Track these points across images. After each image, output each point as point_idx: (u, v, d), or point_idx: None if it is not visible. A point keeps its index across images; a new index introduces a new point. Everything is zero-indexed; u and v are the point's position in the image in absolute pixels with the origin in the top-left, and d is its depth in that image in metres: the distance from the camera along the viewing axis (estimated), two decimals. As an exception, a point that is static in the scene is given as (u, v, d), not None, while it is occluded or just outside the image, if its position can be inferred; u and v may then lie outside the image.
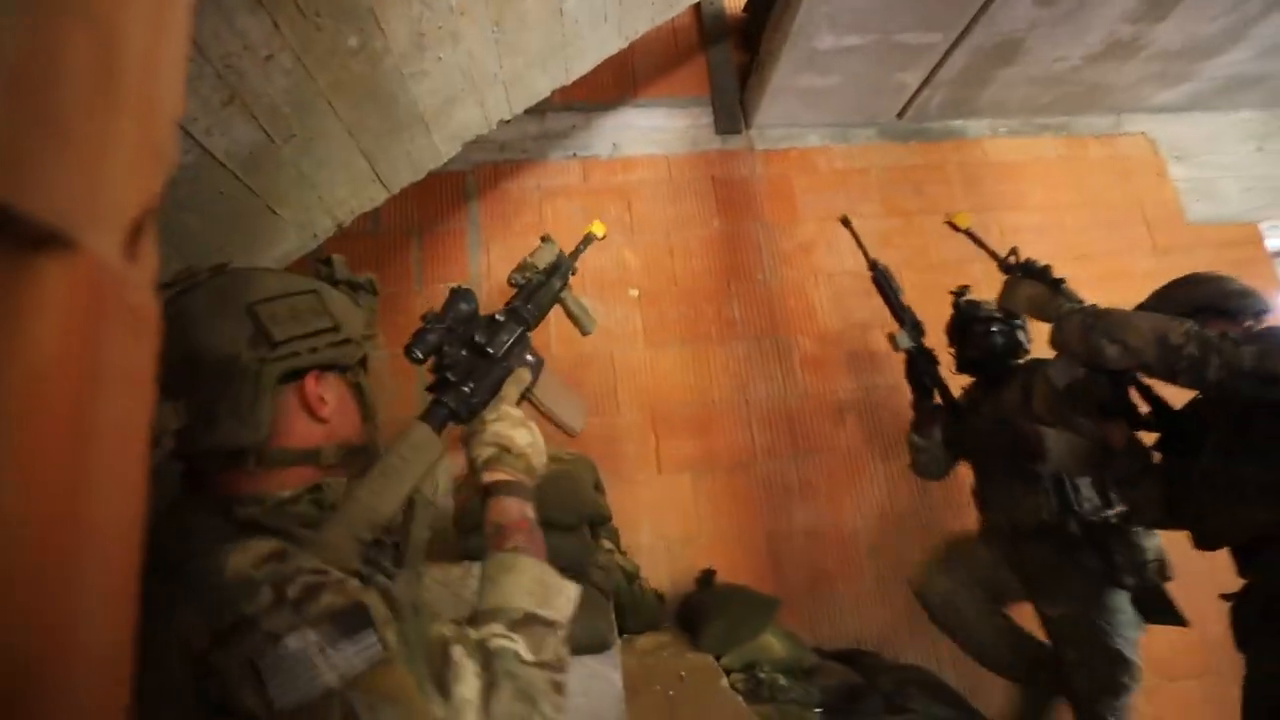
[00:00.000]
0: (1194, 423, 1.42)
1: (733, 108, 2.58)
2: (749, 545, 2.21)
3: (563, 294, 0.98)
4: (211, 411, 0.59)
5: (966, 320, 1.88)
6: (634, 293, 2.39)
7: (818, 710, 1.59)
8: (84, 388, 0.18)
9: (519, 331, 0.86)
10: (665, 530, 2.19)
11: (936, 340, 1.93)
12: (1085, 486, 1.64)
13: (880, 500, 2.28)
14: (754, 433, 2.30)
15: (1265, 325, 1.41)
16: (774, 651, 1.69)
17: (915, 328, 1.88)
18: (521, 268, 0.95)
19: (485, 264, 2.38)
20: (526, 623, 0.62)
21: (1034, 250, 2.65)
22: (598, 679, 1.10)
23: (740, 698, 1.35)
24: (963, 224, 1.76)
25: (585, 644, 1.11)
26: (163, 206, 0.69)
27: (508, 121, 1.40)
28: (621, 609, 1.90)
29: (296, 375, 0.64)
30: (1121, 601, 1.58)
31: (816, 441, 2.31)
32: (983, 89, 2.57)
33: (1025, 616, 1.79)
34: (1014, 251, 1.65)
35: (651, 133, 2.58)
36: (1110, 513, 1.62)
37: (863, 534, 2.24)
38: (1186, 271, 2.49)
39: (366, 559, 0.62)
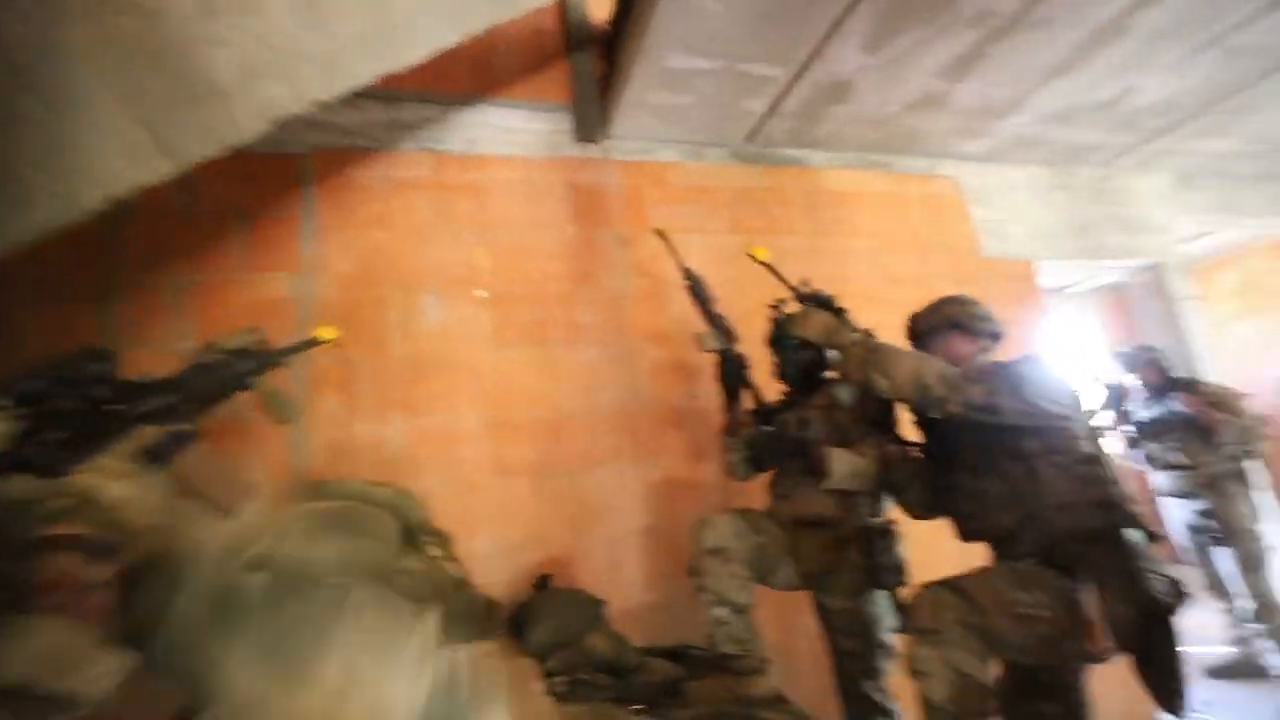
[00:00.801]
0: (951, 438, 1.66)
1: (592, 117, 2.62)
2: (589, 550, 2.23)
3: (249, 382, 0.99)
4: None
5: (780, 334, 2.04)
6: (482, 293, 2.35)
7: (636, 708, 1.64)
8: None
9: (168, 401, 0.87)
10: (504, 536, 2.16)
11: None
12: (865, 498, 1.83)
13: (719, 504, 2.39)
14: (598, 438, 2.34)
15: (995, 354, 1.70)
16: (598, 652, 1.72)
17: (726, 333, 2.00)
18: (209, 345, 0.98)
19: (321, 255, 2.22)
20: (15, 699, 0.53)
21: (857, 272, 2.95)
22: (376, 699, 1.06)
23: (549, 700, 1.35)
24: (761, 257, 1.97)
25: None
26: None
27: (326, 102, 1.32)
28: (448, 617, 1.85)
29: None
30: (884, 599, 1.79)
31: (660, 447, 2.39)
32: (820, 123, 2.81)
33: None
34: (806, 282, 1.88)
35: (510, 133, 2.56)
36: (880, 520, 1.83)
37: (698, 534, 2.35)
38: (979, 297, 2.93)
39: None
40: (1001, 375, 1.46)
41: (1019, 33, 2.34)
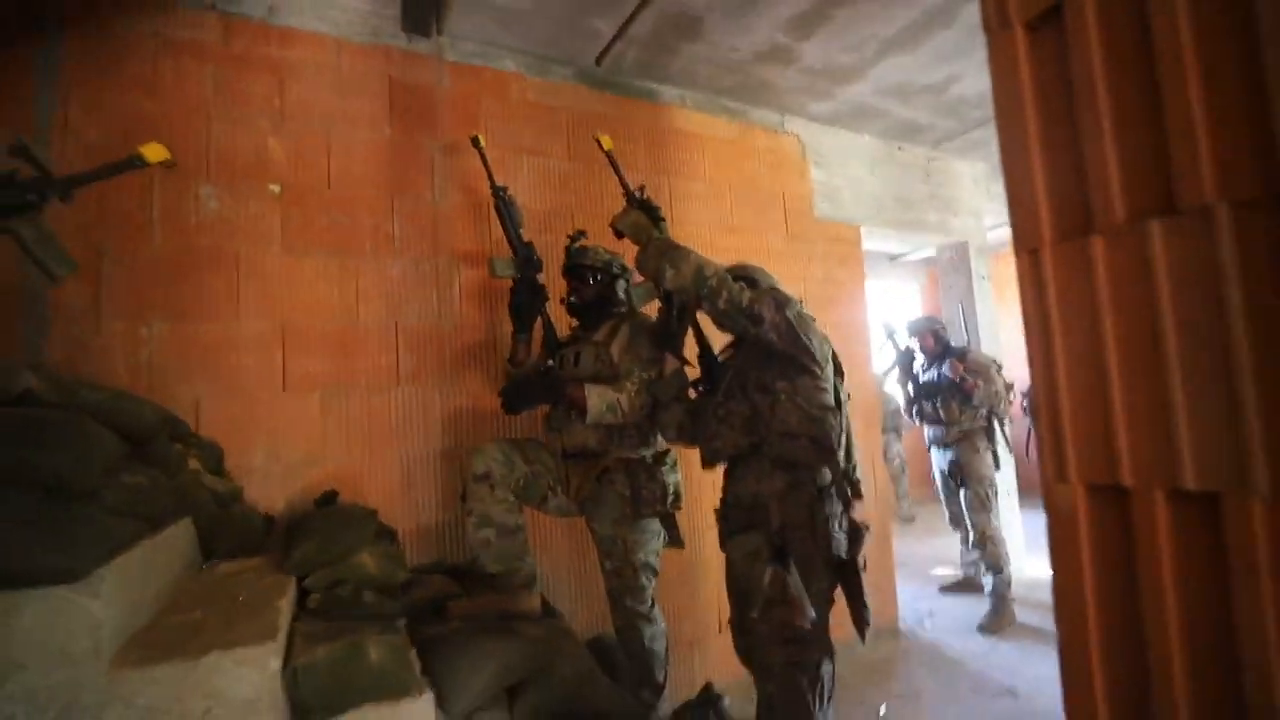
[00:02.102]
0: (718, 370, 1.79)
1: (424, 5, 2.36)
2: (383, 469, 2.19)
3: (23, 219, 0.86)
4: None
5: (572, 264, 2.05)
6: (275, 188, 2.11)
7: (400, 622, 1.68)
8: None
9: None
10: (286, 452, 2.05)
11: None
12: (630, 430, 1.94)
13: (524, 427, 2.42)
14: (400, 356, 2.25)
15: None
16: (366, 570, 1.71)
17: (526, 261, 1.99)
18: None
19: (62, 116, 1.87)
20: None
21: (695, 216, 2.99)
22: (62, 610, 0.99)
23: (281, 614, 1.34)
24: (606, 145, 1.99)
25: (44, 569, 0.98)
26: None
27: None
28: (209, 533, 1.76)
29: None
30: (651, 524, 1.95)
31: (466, 371, 2.35)
32: (672, 57, 2.75)
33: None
34: (642, 188, 1.89)
35: (322, 7, 2.25)
36: (645, 452, 1.96)
37: (501, 459, 2.38)
38: (808, 254, 3.09)
39: None
40: (773, 296, 1.62)
41: (860, 1, 2.40)
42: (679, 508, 1.99)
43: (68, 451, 1.14)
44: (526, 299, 1.98)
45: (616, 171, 1.96)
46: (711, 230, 3.02)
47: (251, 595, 1.43)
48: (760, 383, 1.67)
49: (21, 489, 1.11)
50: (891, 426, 5.53)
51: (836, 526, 1.57)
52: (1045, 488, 0.65)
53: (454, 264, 2.36)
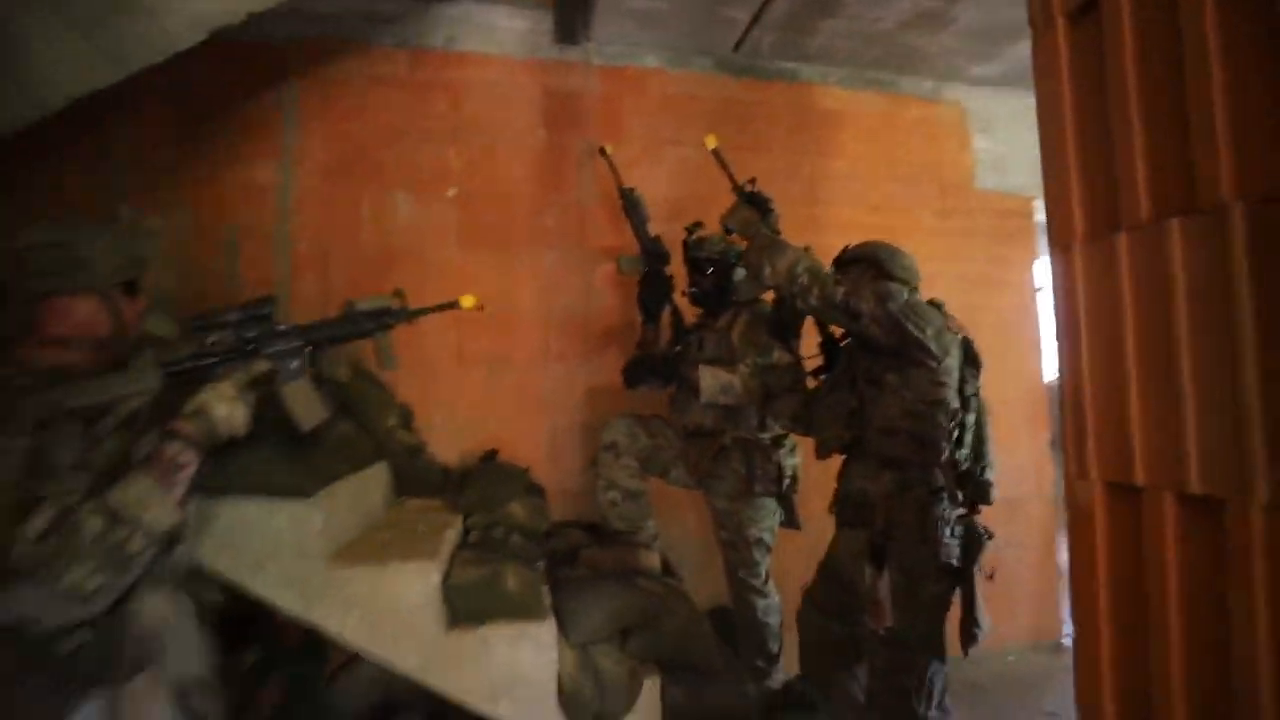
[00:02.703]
0: (836, 359, 1.80)
1: (573, 18, 2.59)
2: (532, 434, 2.52)
3: (377, 335, 1.29)
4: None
5: (690, 257, 2.15)
6: (451, 193, 2.49)
7: (540, 564, 1.96)
8: None
9: (298, 343, 1.16)
10: (460, 416, 2.45)
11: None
12: (748, 412, 2.01)
13: (660, 406, 2.61)
14: (550, 337, 2.55)
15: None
16: (516, 517, 2.02)
17: (655, 256, 2.12)
18: (349, 303, 1.25)
19: (300, 145, 2.39)
20: (108, 514, 0.91)
21: (836, 196, 2.95)
22: (297, 518, 1.37)
23: (445, 543, 1.66)
24: (710, 144, 2.00)
25: (287, 487, 1.37)
26: None
27: (258, 14, 1.44)
28: (401, 477, 2.19)
29: (53, 294, 0.99)
30: (766, 502, 2.01)
31: (606, 352, 2.59)
32: (811, 36, 2.71)
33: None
34: (752, 180, 1.91)
35: (489, 31, 2.57)
36: (763, 435, 2.02)
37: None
38: (967, 230, 2.90)
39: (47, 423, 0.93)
40: (874, 289, 1.58)
41: (1020, -50, 2.17)
42: (795, 490, 2.05)
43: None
44: (653, 292, 2.14)
45: (724, 168, 1.98)
46: (853, 210, 2.93)
47: (427, 527, 1.79)
48: (870, 374, 1.64)
49: (277, 430, 1.52)
50: None
51: (949, 532, 1.51)
52: (1067, 484, 0.66)
53: (598, 254, 2.60)
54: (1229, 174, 0.51)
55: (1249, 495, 0.49)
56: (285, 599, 1.37)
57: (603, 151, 2.21)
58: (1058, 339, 0.67)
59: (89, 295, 1.02)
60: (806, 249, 1.85)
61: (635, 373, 2.09)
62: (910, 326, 1.52)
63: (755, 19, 2.55)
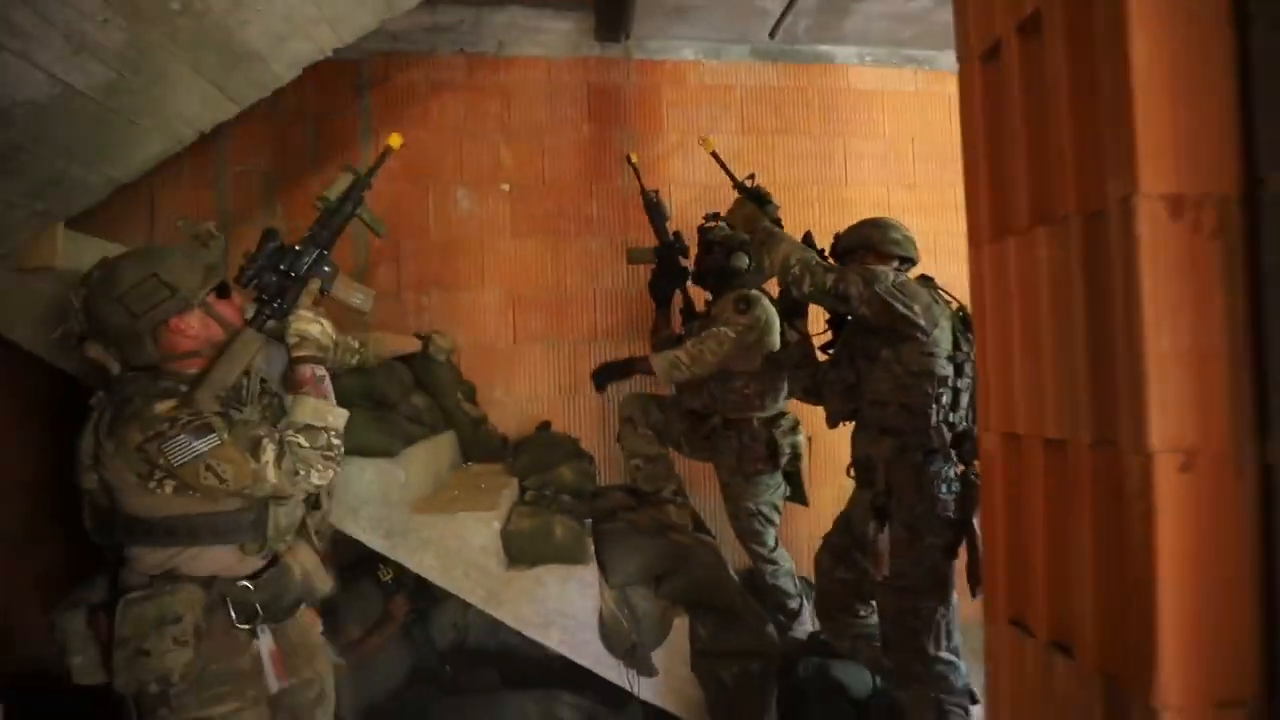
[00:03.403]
0: (840, 336, 1.93)
1: (614, 16, 2.75)
2: (583, 405, 2.77)
3: (358, 210, 1.38)
4: (129, 349, 1.16)
5: (700, 241, 2.31)
6: (505, 187, 2.74)
7: (588, 520, 2.22)
8: None
9: (316, 253, 1.31)
10: (516, 389, 2.73)
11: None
12: (734, 392, 2.18)
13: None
14: (597, 316, 2.78)
15: (906, 271, 1.86)
16: (564, 479, 2.29)
17: (669, 248, 2.31)
18: (320, 198, 1.36)
19: (374, 150, 2.68)
20: (305, 429, 1.18)
21: (871, 175, 3.03)
22: (385, 473, 1.67)
23: (504, 499, 1.93)
24: (709, 147, 2.12)
25: (377, 448, 1.67)
26: (42, 122, 1.22)
27: (340, 48, 1.70)
28: (466, 444, 2.49)
29: (165, 321, 1.16)
30: (764, 478, 2.18)
31: (648, 328, 2.79)
32: (845, 18, 2.78)
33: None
34: (751, 176, 2.04)
35: (536, 34, 2.78)
36: (754, 414, 2.17)
37: (677, 404, 2.81)
38: None
39: (223, 403, 1.17)
40: (861, 272, 1.67)
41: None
42: (797, 467, 2.21)
43: (383, 381, 1.83)
44: (666, 281, 2.33)
45: (724, 169, 2.09)
46: (889, 188, 3.01)
47: (488, 486, 2.08)
48: (865, 350, 1.75)
49: (366, 400, 1.83)
50: None
51: (945, 489, 1.62)
52: (979, 435, 0.83)
53: (640, 238, 2.79)
54: (1071, 193, 0.66)
55: (1080, 437, 0.66)
56: (375, 539, 1.67)
57: (629, 159, 2.37)
58: (975, 322, 0.83)
59: (191, 311, 1.18)
60: (808, 234, 1.98)
61: (604, 374, 2.28)
62: (897, 305, 1.60)
63: (789, 6, 2.65)
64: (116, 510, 1.15)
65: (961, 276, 2.72)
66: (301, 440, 1.17)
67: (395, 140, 1.52)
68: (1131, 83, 0.59)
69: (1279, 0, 0.56)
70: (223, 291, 1.25)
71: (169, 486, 1.09)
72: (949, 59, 3.09)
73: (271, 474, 1.11)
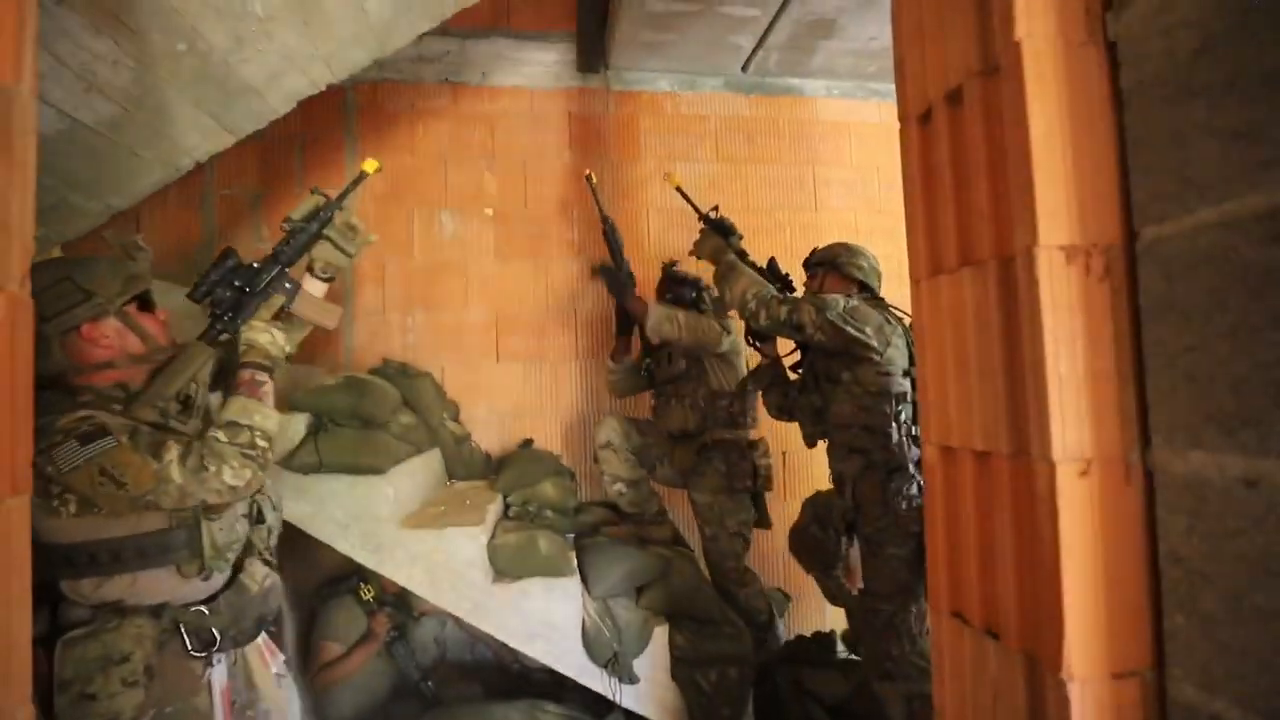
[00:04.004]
0: (805, 361, 2.05)
1: (594, 48, 2.89)
2: (565, 422, 2.85)
3: (326, 232, 1.36)
4: (37, 356, 0.99)
5: (667, 279, 2.45)
6: (489, 212, 2.83)
7: (571, 534, 2.29)
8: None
9: (276, 270, 1.30)
10: (498, 407, 2.80)
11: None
12: (721, 410, 2.29)
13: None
14: (578, 337, 2.87)
15: (864, 295, 1.98)
16: (547, 495, 2.36)
17: (630, 277, 2.38)
18: (286, 218, 1.39)
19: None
20: (227, 425, 1.12)
21: (840, 202, 3.18)
22: (374, 490, 1.72)
23: (489, 514, 2.00)
24: (673, 182, 2.24)
25: (366, 466, 1.73)
26: (47, 154, 1.28)
27: (333, 84, 1.79)
28: (451, 462, 2.54)
29: (76, 327, 1.08)
30: (744, 498, 2.28)
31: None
32: (812, 55, 2.94)
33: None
34: (715, 208, 2.15)
35: (519, 65, 2.89)
36: (740, 434, 2.28)
37: (655, 420, 2.90)
38: None
39: (164, 415, 1.14)
40: (813, 301, 1.78)
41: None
42: (769, 488, 2.32)
43: (373, 400, 1.90)
44: (620, 307, 2.44)
45: (689, 201, 2.21)
46: (856, 214, 3.16)
47: (474, 501, 2.14)
48: (828, 373, 1.87)
49: (354, 419, 1.89)
50: None
51: (905, 505, 1.70)
52: (923, 447, 0.93)
53: (617, 261, 2.90)
54: (989, 241, 0.78)
55: (1000, 448, 0.77)
56: (364, 555, 1.73)
57: (588, 178, 2.41)
58: (916, 349, 0.95)
59: (105, 319, 1.10)
60: (772, 260, 2.12)
61: (614, 282, 2.38)
62: (849, 329, 1.71)
63: (760, 42, 2.80)
64: (36, 539, 1.06)
65: None
66: (221, 435, 1.08)
67: (370, 165, 1.53)
68: (1031, 151, 0.72)
69: (1149, 86, 0.69)
70: (146, 305, 1.20)
71: (71, 504, 1.00)
72: (910, 92, 3.28)
73: (175, 473, 1.02)
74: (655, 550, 2.14)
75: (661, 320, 2.18)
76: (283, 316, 1.32)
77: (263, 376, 1.21)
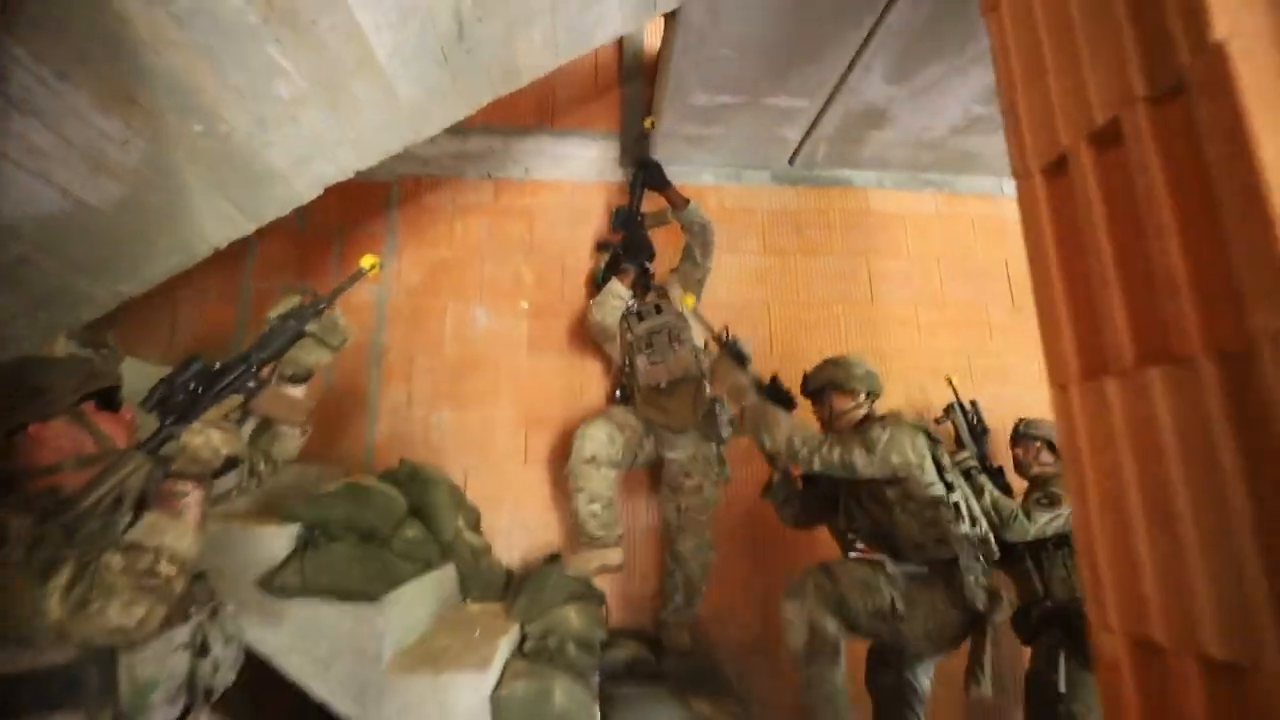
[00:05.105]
0: (829, 481, 2.00)
1: (638, 143, 2.86)
2: (596, 534, 2.55)
3: (308, 328, 1.34)
4: None
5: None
6: (525, 305, 2.71)
7: (595, 677, 1.94)
8: None
9: (240, 370, 1.23)
10: (525, 515, 2.54)
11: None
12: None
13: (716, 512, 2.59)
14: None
15: (870, 408, 2.01)
16: (570, 624, 2.03)
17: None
18: (268, 318, 1.32)
19: (397, 268, 2.70)
20: (128, 548, 0.94)
21: (897, 295, 2.95)
22: (363, 621, 1.45)
23: (499, 651, 1.68)
24: (688, 307, 2.27)
25: (356, 591, 1.47)
26: (51, 236, 1.11)
27: (361, 171, 1.71)
28: (466, 578, 2.26)
29: (23, 426, 0.99)
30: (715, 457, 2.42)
31: (667, 450, 2.62)
32: (862, 146, 2.83)
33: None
34: (726, 329, 2.15)
35: (562, 160, 2.87)
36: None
37: (698, 534, 2.57)
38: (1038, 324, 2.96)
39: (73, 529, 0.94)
40: (859, 440, 1.81)
41: (1065, 60, 2.23)
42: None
43: (375, 511, 1.67)
44: None
45: (703, 324, 2.24)
46: (917, 308, 2.92)
47: (485, 632, 1.83)
48: (872, 494, 1.88)
49: (351, 532, 1.66)
50: None
51: (974, 581, 1.72)
52: (1093, 631, 0.63)
53: (657, 356, 2.70)
54: (1194, 329, 0.52)
55: (1260, 661, 0.47)
56: (343, 703, 1.43)
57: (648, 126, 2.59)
58: (1065, 476, 0.67)
59: (55, 418, 1.03)
60: (774, 377, 2.04)
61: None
62: (895, 459, 1.78)
63: (807, 135, 2.71)
64: None
65: (1001, 398, 2.63)
66: (115, 561, 0.91)
67: (368, 261, 1.53)
68: (1264, 190, 0.47)
69: None
70: (109, 405, 1.11)
71: None
72: (968, 182, 3.12)
73: (54, 604, 0.85)
74: (699, 710, 1.76)
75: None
76: (237, 416, 1.22)
77: (184, 487, 1.06)
